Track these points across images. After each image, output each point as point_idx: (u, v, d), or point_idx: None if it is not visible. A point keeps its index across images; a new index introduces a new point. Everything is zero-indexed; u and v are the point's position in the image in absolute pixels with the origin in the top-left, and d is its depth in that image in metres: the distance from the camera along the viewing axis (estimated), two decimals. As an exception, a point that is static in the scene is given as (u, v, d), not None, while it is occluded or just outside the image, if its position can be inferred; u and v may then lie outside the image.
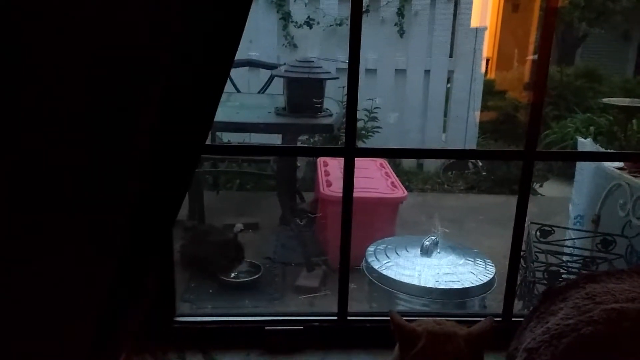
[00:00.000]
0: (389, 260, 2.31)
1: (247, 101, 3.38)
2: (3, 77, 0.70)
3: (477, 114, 4.64)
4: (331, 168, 3.06)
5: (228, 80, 3.59)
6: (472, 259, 2.34)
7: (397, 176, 3.09)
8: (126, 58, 0.85)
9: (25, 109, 0.75)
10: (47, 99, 0.77)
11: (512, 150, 2.23)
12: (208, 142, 2.45)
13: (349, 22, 1.51)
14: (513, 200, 1.75)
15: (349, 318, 1.75)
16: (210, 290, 2.44)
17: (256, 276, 2.52)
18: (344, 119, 2.66)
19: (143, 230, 1.12)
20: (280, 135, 2.93)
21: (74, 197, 0.88)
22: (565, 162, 4.20)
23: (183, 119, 1.05)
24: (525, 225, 1.79)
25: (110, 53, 0.82)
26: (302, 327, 1.72)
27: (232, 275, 2.55)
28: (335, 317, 1.75)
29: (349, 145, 1.61)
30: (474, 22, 4.48)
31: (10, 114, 0.73)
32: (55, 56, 0.75)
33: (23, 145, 0.76)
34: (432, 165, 4.56)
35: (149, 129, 0.99)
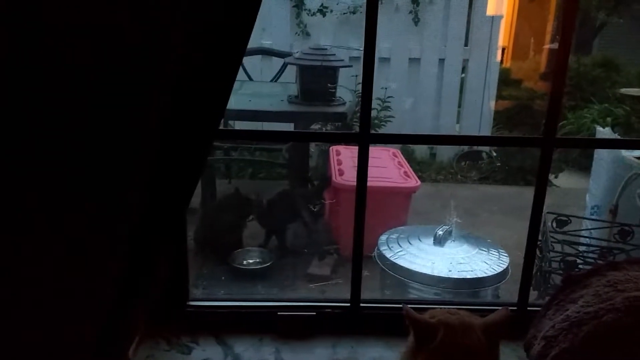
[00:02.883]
0: (401, 249, 2.29)
1: (259, 89, 3.37)
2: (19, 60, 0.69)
3: (492, 103, 4.59)
4: (343, 157, 3.04)
5: (240, 68, 3.60)
6: (485, 249, 2.32)
7: (410, 166, 3.06)
8: (140, 42, 0.84)
9: (38, 90, 0.74)
10: (61, 79, 0.76)
11: (530, 137, 2.19)
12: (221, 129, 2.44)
13: (362, 10, 1.48)
14: (527, 191, 1.72)
15: (361, 305, 1.75)
16: (223, 278, 2.45)
17: (267, 264, 2.52)
18: (357, 108, 2.64)
19: (157, 214, 1.12)
20: (292, 124, 2.91)
21: (86, 182, 0.87)
22: (580, 153, 4.14)
23: (197, 102, 1.04)
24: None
25: (123, 35, 0.81)
26: (314, 313, 1.71)
27: (244, 262, 2.55)
28: (348, 304, 1.74)
29: (364, 131, 1.59)
30: (490, 11, 4.41)
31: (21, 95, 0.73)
32: (71, 34, 0.75)
33: (33, 131, 0.75)
34: (445, 155, 4.51)
35: (163, 113, 0.99)
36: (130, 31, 0.81)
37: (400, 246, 2.32)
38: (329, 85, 2.68)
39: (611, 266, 1.16)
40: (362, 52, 1.54)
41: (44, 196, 0.81)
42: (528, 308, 1.76)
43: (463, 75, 4.60)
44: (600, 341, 1.02)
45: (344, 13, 4.29)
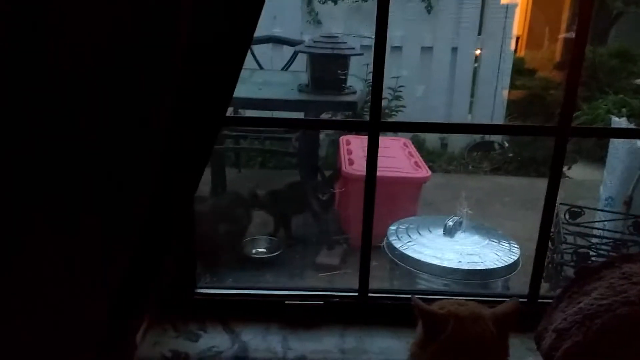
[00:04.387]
0: (410, 239, 2.28)
1: (269, 78, 3.35)
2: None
3: (505, 93, 4.52)
4: (354, 147, 3.02)
5: (251, 56, 3.57)
6: (496, 240, 2.29)
7: (421, 156, 3.03)
8: (144, 27, 0.82)
9: (40, 88, 0.73)
10: (63, 73, 0.75)
11: (545, 126, 2.15)
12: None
13: (375, -3, 1.45)
14: (539, 183, 1.69)
15: (369, 295, 1.73)
16: (232, 265, 2.44)
17: (276, 253, 2.52)
18: (368, 97, 2.62)
19: (164, 200, 1.11)
20: (302, 114, 2.90)
21: (92, 169, 0.86)
22: (595, 144, 4.08)
23: (204, 87, 1.02)
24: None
25: (127, 21, 0.80)
26: (322, 302, 1.70)
27: (253, 251, 2.55)
28: (356, 294, 1.73)
29: (374, 118, 1.56)
30: (505, -1, 4.34)
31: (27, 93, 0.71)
32: (72, 29, 0.73)
33: (35, 125, 0.74)
34: (456, 145, 4.47)
35: (170, 100, 0.97)
36: (134, 16, 0.80)
37: (410, 237, 2.30)
38: (339, 72, 2.66)
39: (626, 258, 1.13)
40: (374, 40, 1.51)
41: (47, 187, 0.80)
42: (539, 300, 1.74)
43: (476, 64, 4.53)
44: (614, 334, 1.00)
45: (356, 1, 4.25)
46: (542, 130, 2.08)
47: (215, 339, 1.62)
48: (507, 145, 4.33)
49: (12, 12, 0.63)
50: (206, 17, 0.94)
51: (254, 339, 1.62)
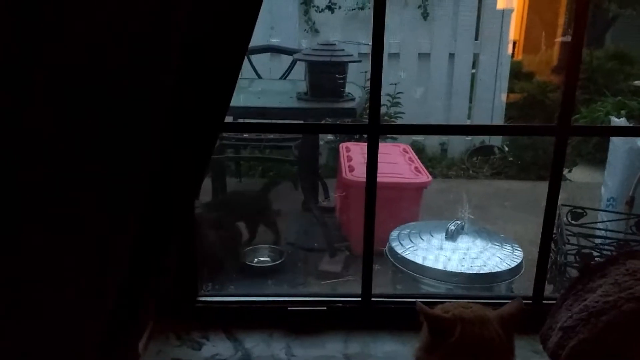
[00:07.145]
0: (412, 244, 2.27)
1: (268, 87, 3.35)
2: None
3: (504, 97, 4.53)
4: (354, 153, 3.02)
5: (249, 66, 3.56)
6: (498, 244, 2.28)
7: (421, 162, 3.03)
8: (141, 26, 0.82)
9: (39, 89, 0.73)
10: (63, 73, 0.75)
11: (544, 126, 2.15)
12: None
13: (371, 5, 1.46)
14: (540, 186, 1.69)
15: (373, 299, 1.72)
16: (234, 275, 2.44)
17: (279, 262, 2.51)
18: (366, 104, 2.63)
19: (163, 206, 1.10)
20: (302, 122, 2.89)
21: (91, 176, 0.86)
22: (595, 147, 4.07)
23: (203, 87, 1.02)
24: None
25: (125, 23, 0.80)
26: (325, 308, 1.70)
27: (255, 260, 2.54)
28: (359, 299, 1.72)
29: (373, 121, 1.56)
30: (500, 4, 4.35)
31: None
32: (71, 26, 0.73)
33: (34, 127, 0.74)
34: (456, 150, 4.47)
35: (168, 101, 0.97)
36: (130, 18, 0.80)
37: (412, 242, 2.29)
38: (337, 75, 2.66)
39: (630, 255, 1.13)
40: (371, 44, 1.51)
41: (47, 193, 0.79)
42: (543, 302, 1.73)
43: (474, 70, 4.54)
44: (620, 330, 0.99)
45: (353, 9, 4.26)
46: (542, 129, 2.08)
47: (218, 347, 1.61)
48: (506, 149, 4.33)
49: (10, 11, 0.63)
50: (203, 16, 0.94)
51: (257, 346, 1.61)
